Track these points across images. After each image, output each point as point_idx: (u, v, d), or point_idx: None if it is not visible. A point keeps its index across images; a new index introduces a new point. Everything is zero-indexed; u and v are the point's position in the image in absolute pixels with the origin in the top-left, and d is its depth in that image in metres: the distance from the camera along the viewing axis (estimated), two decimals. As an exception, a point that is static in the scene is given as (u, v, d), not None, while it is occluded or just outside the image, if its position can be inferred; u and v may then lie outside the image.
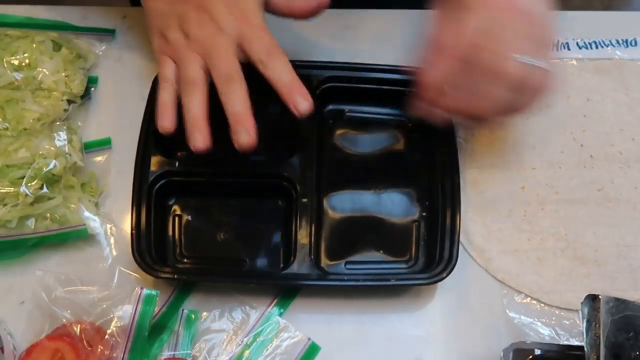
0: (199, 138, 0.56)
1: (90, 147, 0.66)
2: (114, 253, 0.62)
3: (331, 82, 0.66)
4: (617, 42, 0.73)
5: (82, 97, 0.67)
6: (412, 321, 0.61)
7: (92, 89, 0.69)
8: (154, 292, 0.57)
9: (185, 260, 0.62)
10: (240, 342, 0.59)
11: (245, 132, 0.56)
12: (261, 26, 0.58)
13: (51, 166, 0.60)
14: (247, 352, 0.58)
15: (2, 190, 0.59)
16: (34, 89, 0.65)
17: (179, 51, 0.59)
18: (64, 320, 0.58)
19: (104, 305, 0.58)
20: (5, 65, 0.65)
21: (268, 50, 0.58)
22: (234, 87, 0.57)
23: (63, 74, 0.66)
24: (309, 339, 0.59)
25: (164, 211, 0.63)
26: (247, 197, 0.64)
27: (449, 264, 0.59)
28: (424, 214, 0.64)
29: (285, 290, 0.62)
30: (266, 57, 0.57)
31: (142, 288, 0.57)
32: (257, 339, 0.59)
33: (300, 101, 0.58)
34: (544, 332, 0.60)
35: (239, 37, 0.57)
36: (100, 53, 0.71)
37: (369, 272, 0.62)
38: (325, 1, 0.60)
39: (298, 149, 0.63)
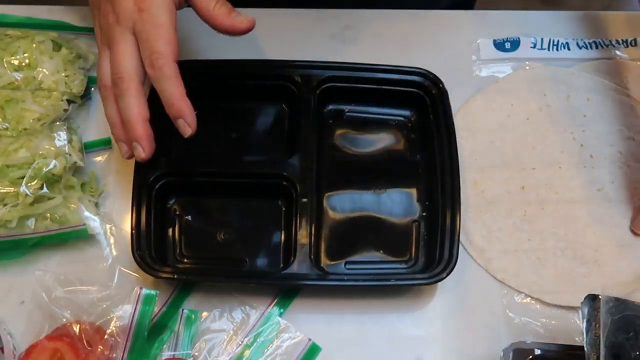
0: (138, 148, 0.55)
1: (90, 147, 0.66)
2: (114, 253, 0.62)
3: (331, 82, 0.66)
4: (617, 42, 0.73)
5: (82, 97, 0.67)
6: (412, 321, 0.61)
7: (92, 89, 0.69)
8: (153, 292, 0.57)
9: (185, 260, 0.62)
10: (240, 342, 0.59)
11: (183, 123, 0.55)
12: (155, 23, 0.53)
13: (51, 166, 0.60)
14: (247, 352, 0.58)
15: (2, 190, 0.59)
16: (34, 89, 0.65)
17: (100, 42, 0.57)
18: (64, 320, 0.58)
19: (104, 305, 0.58)
20: (5, 65, 0.65)
21: (151, 61, 0.53)
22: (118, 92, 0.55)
23: (63, 74, 0.66)
24: (310, 339, 0.59)
25: (164, 211, 0.63)
26: (247, 197, 0.64)
27: (449, 264, 0.59)
28: (424, 214, 0.64)
29: (285, 290, 0.61)
30: (149, 66, 0.54)
31: (141, 288, 0.57)
32: (258, 339, 0.59)
33: (180, 126, 0.55)
34: (544, 332, 0.60)
35: (134, 32, 0.54)
36: (100, 53, 0.71)
37: (369, 272, 0.62)
38: (248, 27, 0.56)
39: (298, 149, 0.63)
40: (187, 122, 0.55)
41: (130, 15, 0.54)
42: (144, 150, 0.55)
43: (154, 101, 0.64)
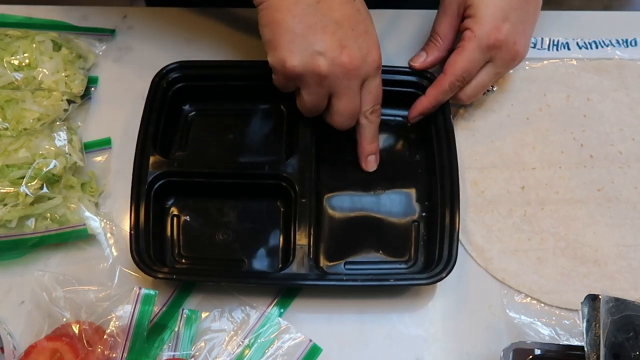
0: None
1: (90, 147, 0.66)
2: (114, 253, 0.62)
3: (331, 82, 0.66)
4: (617, 42, 0.73)
5: (82, 97, 0.67)
6: (412, 321, 0.61)
7: (92, 89, 0.69)
8: (152, 292, 0.57)
9: (183, 260, 0.62)
10: (240, 343, 0.59)
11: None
12: (379, 69, 0.60)
13: (51, 166, 0.60)
14: (247, 352, 0.58)
15: (2, 190, 0.59)
16: (34, 89, 0.65)
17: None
18: (64, 320, 0.58)
19: (104, 305, 0.58)
20: (5, 65, 0.65)
21: (375, 108, 0.61)
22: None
23: (63, 74, 0.66)
24: (311, 340, 0.59)
25: (162, 211, 0.63)
26: (245, 198, 0.64)
27: (449, 263, 0.59)
28: (424, 214, 0.64)
29: (285, 291, 0.61)
30: (371, 113, 0.62)
31: (140, 288, 0.57)
32: (258, 340, 0.59)
33: (370, 161, 0.65)
34: (544, 332, 0.60)
35: (364, 79, 0.59)
36: (100, 53, 0.71)
37: (368, 273, 0.62)
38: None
39: (297, 149, 0.63)
40: (376, 159, 0.65)
41: (368, 70, 0.58)
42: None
43: (154, 102, 0.64)
